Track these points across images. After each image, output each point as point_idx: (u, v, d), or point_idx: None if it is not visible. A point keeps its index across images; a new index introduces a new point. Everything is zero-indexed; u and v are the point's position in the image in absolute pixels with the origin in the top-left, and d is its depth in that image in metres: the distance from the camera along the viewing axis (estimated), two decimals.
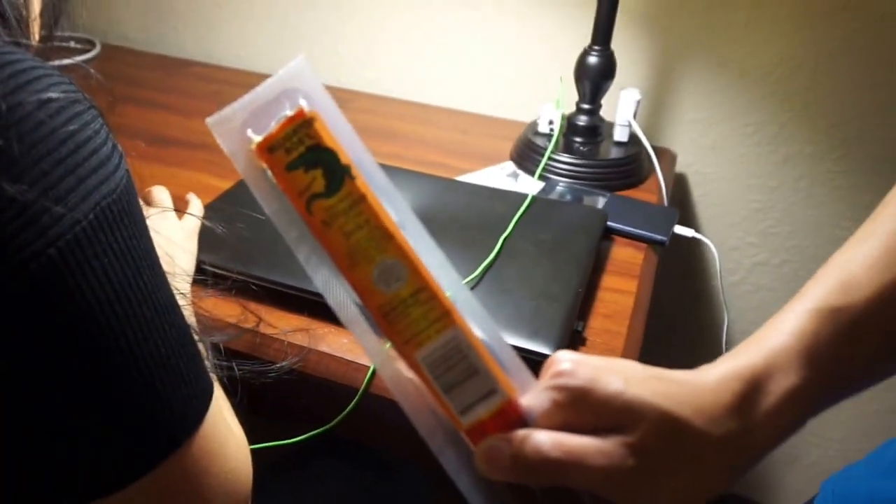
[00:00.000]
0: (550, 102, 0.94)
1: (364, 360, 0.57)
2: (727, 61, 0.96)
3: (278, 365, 0.55)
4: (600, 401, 0.32)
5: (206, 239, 0.65)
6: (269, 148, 0.32)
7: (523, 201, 0.75)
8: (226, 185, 0.78)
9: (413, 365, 0.34)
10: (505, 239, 0.68)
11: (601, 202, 0.83)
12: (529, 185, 0.87)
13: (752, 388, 0.35)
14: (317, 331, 0.59)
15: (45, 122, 0.30)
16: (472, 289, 0.62)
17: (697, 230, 0.96)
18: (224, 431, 0.40)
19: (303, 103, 0.32)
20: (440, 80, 1.12)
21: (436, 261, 0.35)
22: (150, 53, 1.26)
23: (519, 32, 1.04)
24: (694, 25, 0.96)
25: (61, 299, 0.30)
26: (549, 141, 0.91)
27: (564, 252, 0.67)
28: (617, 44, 0.87)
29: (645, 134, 0.93)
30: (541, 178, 0.88)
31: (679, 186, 1.06)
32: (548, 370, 0.35)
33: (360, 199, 0.32)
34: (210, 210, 0.71)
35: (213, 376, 0.41)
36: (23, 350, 0.30)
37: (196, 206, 0.71)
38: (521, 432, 0.33)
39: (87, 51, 1.21)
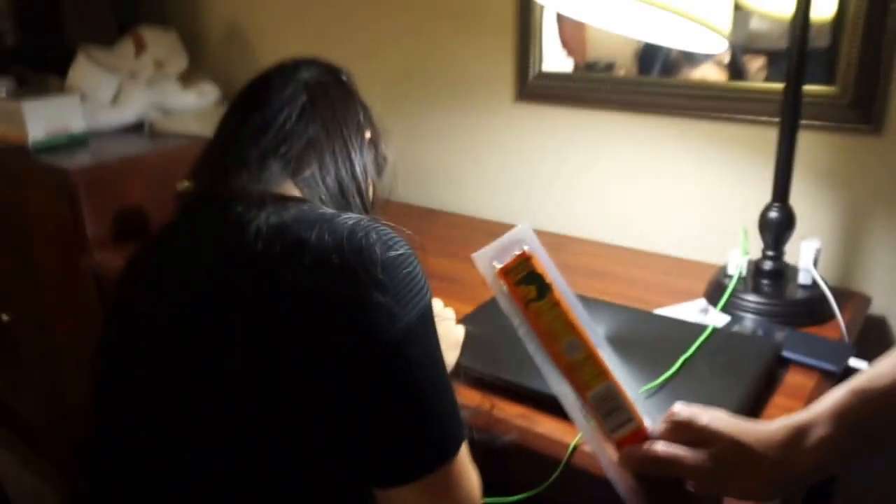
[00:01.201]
0: (738, 248, 1.10)
1: (567, 440, 0.77)
2: None
3: (505, 437, 0.77)
4: (695, 428, 0.56)
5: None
6: (505, 272, 0.59)
7: (706, 331, 0.92)
8: (468, 309, 1.04)
9: (586, 402, 0.58)
10: (684, 360, 0.85)
11: (779, 336, 0.96)
12: (717, 319, 1.02)
13: (797, 433, 0.55)
14: (534, 417, 0.81)
15: (398, 265, 0.58)
16: (648, 397, 0.80)
17: None
18: (469, 464, 0.64)
19: (525, 248, 0.59)
20: (643, 226, 1.32)
21: (603, 348, 0.59)
22: (406, 203, 1.61)
23: (710, 186, 1.23)
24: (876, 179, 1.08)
25: (399, 361, 0.57)
26: (738, 282, 1.07)
27: (735, 373, 0.82)
28: (801, 195, 1.02)
29: (837, 277, 1.04)
30: (729, 313, 1.03)
31: (876, 328, 1.14)
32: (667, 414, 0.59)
33: (557, 303, 0.58)
34: (462, 322, 0.97)
35: None
36: (372, 390, 0.57)
37: (460, 329, 0.95)
38: (648, 442, 0.57)
39: None
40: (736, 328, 0.99)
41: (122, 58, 1.74)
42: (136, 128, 1.73)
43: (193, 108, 1.79)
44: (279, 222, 0.63)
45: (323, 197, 0.74)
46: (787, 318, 1.01)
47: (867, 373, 0.56)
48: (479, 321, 0.98)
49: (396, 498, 0.62)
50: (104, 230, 1.41)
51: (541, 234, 1.29)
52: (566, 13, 1.07)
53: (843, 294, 1.07)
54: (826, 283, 1.04)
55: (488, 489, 0.74)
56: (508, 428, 0.80)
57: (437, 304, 0.96)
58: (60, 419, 1.70)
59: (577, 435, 0.77)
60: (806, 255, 1.05)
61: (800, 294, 1.05)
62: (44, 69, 1.88)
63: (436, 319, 0.70)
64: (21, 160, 1.49)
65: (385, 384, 0.59)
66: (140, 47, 1.75)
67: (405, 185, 1.66)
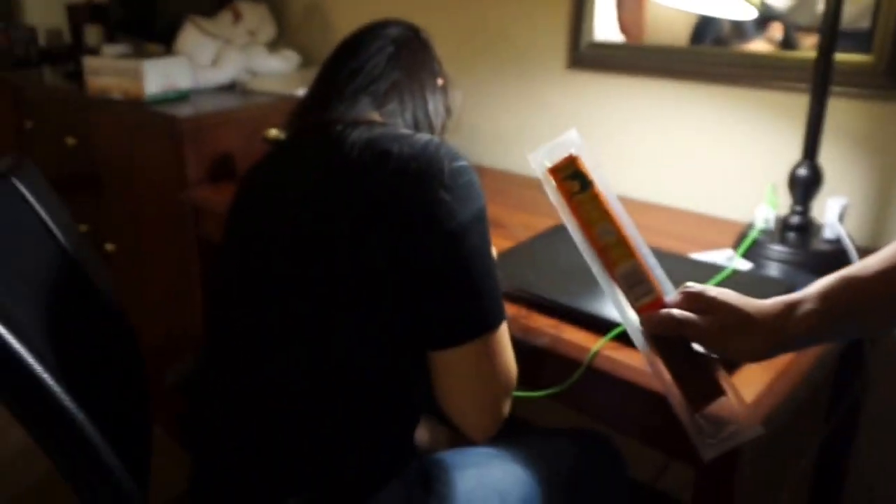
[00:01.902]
0: (765, 204, 1.19)
1: (589, 346, 0.89)
2: None
3: (537, 340, 0.91)
4: (703, 298, 0.67)
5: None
6: (554, 170, 0.70)
7: (724, 271, 1.02)
8: (509, 245, 1.17)
9: (615, 277, 0.69)
10: None
11: (794, 279, 1.05)
12: (739, 265, 1.12)
13: (790, 306, 0.65)
14: (561, 327, 0.94)
15: (461, 173, 0.76)
16: None
17: None
18: (507, 343, 0.79)
19: (573, 150, 0.70)
20: (683, 186, 1.42)
21: (634, 233, 0.70)
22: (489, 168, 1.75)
23: (748, 150, 1.32)
24: None
25: (459, 241, 0.75)
26: (764, 234, 1.16)
27: None
28: (835, 158, 1.10)
29: (866, 237, 1.12)
30: (755, 262, 1.13)
31: None
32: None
33: (595, 196, 0.69)
34: (500, 257, 1.11)
35: None
36: (433, 269, 0.74)
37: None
38: (666, 308, 0.68)
39: None
40: (758, 274, 1.09)
41: (222, 26, 1.93)
42: (230, 87, 1.93)
43: (278, 71, 2.00)
44: (370, 137, 0.80)
45: (401, 127, 0.90)
46: (809, 268, 1.10)
47: (857, 264, 0.67)
48: (520, 254, 1.12)
49: (448, 358, 0.79)
50: (201, 171, 1.62)
51: None
52: None
53: (869, 252, 1.14)
54: (851, 239, 1.12)
55: (520, 386, 0.88)
56: (540, 334, 0.93)
57: None
58: (151, 341, 1.93)
59: (597, 342, 0.90)
60: (832, 210, 1.13)
61: (823, 247, 1.13)
62: (142, 38, 2.11)
63: None
64: (136, 111, 1.70)
65: (443, 265, 0.76)
66: (237, 17, 1.95)
67: (460, 143, 1.79)
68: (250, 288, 0.85)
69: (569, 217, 0.70)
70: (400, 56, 0.94)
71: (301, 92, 1.69)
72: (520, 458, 0.96)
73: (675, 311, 0.67)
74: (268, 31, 2.05)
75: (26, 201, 0.93)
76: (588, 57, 1.50)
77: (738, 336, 0.65)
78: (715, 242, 1.23)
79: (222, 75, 1.92)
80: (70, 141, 2.08)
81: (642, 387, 0.85)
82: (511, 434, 1.03)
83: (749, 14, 1.19)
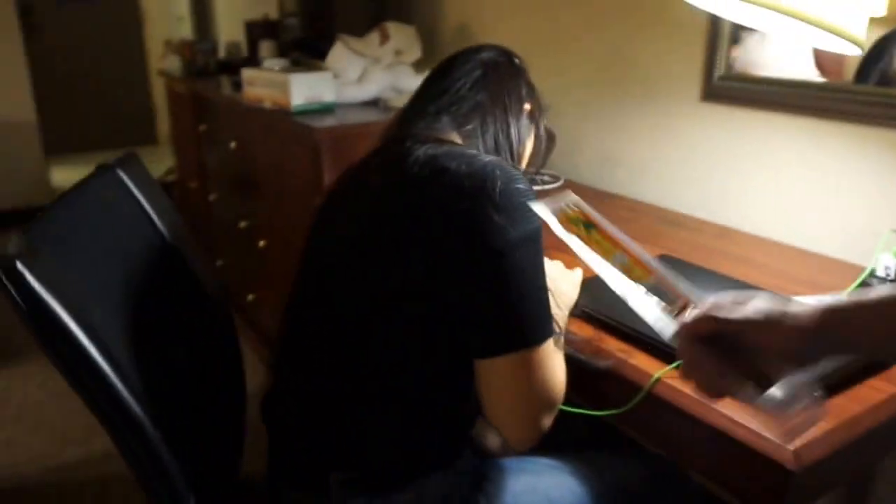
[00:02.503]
0: (889, 252, 1.12)
1: (653, 372, 0.89)
2: None
3: (602, 362, 0.92)
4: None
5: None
6: (563, 221, 0.76)
7: None
8: None
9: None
10: None
11: None
12: None
13: (835, 312, 0.61)
14: (631, 351, 0.94)
15: (514, 194, 0.78)
16: None
17: None
18: (553, 360, 0.82)
19: (571, 203, 0.78)
20: (805, 225, 1.36)
21: (644, 254, 0.74)
22: (591, 187, 1.76)
23: (876, 193, 1.24)
24: None
25: (504, 259, 0.77)
26: (881, 282, 1.09)
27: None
28: None
29: None
30: None
31: None
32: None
33: (602, 234, 0.76)
34: (592, 280, 1.12)
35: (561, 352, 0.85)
36: (477, 284, 0.78)
37: (579, 272, 1.11)
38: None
39: (554, 182, 1.77)
40: None
41: (369, 46, 2.08)
42: (373, 103, 2.07)
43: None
44: (433, 154, 0.85)
45: (480, 148, 0.94)
46: None
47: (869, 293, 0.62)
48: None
49: (485, 368, 0.82)
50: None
51: (708, 225, 1.44)
52: (728, 17, 1.16)
53: None
54: None
55: (585, 404, 0.90)
56: (608, 356, 0.94)
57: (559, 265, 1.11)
58: None
59: (661, 369, 0.90)
60: None
61: None
62: (315, 55, 2.31)
63: (564, 267, 0.92)
64: (285, 120, 1.88)
65: (485, 281, 0.79)
66: (384, 38, 2.09)
67: (591, 168, 1.81)
68: (316, 288, 0.94)
69: (586, 252, 0.76)
70: (487, 79, 0.98)
71: None
72: (579, 471, 0.98)
73: (712, 311, 0.65)
74: (414, 51, 2.18)
75: (128, 190, 1.06)
76: (721, 90, 1.47)
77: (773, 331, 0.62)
78: (831, 286, 1.17)
79: (367, 92, 2.06)
80: (233, 144, 2.32)
81: (697, 417, 0.84)
82: (584, 447, 1.04)
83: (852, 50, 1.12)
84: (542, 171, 1.79)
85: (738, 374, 0.64)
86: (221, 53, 3.11)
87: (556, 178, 1.80)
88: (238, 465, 1.14)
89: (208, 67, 2.86)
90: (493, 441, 1.09)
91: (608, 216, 0.82)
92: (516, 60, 1.06)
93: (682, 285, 0.71)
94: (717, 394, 0.66)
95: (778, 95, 1.37)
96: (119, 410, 0.81)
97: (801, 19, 0.86)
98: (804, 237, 1.36)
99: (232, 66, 2.75)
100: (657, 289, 0.72)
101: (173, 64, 3.05)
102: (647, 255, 0.75)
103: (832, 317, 0.62)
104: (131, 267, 0.99)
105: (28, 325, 0.76)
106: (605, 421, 0.94)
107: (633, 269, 0.74)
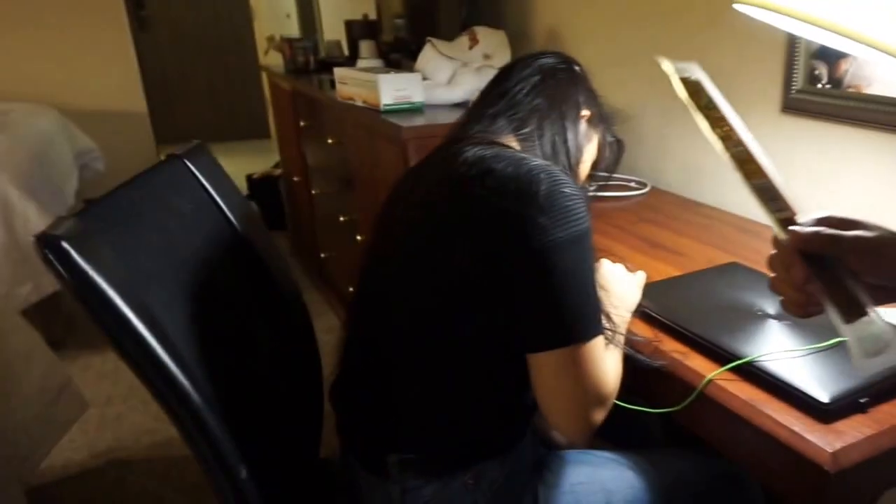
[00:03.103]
0: None
1: (706, 374, 0.94)
2: None
3: (658, 362, 0.97)
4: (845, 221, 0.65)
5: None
6: (685, 80, 0.76)
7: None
8: (676, 272, 1.23)
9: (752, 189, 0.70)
10: (840, 341, 0.95)
11: None
12: None
13: None
14: (688, 353, 0.99)
15: (559, 197, 0.83)
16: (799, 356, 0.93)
17: None
18: (602, 357, 0.86)
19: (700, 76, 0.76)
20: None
21: (762, 155, 0.73)
22: (676, 194, 1.79)
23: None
24: None
25: (547, 259, 0.82)
26: None
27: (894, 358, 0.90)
28: None
29: None
30: None
31: None
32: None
33: (721, 116, 0.73)
34: (659, 283, 1.17)
35: (619, 351, 0.91)
36: (521, 282, 0.83)
37: (642, 275, 1.14)
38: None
39: (641, 189, 1.81)
40: None
41: (458, 49, 2.17)
42: (462, 105, 2.16)
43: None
44: (482, 155, 0.89)
45: (538, 153, 0.98)
46: None
47: None
48: (679, 283, 1.18)
49: (539, 360, 0.86)
50: None
51: None
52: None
53: None
54: None
55: (642, 401, 0.96)
56: (663, 356, 1.00)
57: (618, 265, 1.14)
58: None
59: (714, 370, 0.94)
60: None
61: None
62: (413, 57, 2.42)
63: (626, 270, 0.97)
64: (375, 118, 1.99)
65: (529, 280, 0.83)
66: (474, 42, 2.18)
67: (677, 176, 1.84)
68: (376, 282, 1.00)
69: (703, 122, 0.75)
70: (544, 84, 1.01)
71: None
72: (639, 466, 1.03)
73: (825, 230, 0.63)
74: (503, 55, 2.25)
75: (196, 179, 1.12)
76: (799, 102, 1.48)
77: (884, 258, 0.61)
78: None
79: (455, 94, 2.15)
80: (330, 140, 2.46)
81: (744, 417, 0.88)
82: (652, 446, 1.09)
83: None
84: (630, 177, 1.85)
85: (833, 296, 0.62)
86: (322, 51, 3.26)
87: (642, 185, 1.83)
88: (317, 446, 1.22)
89: (308, 65, 3.01)
90: (557, 433, 1.16)
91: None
92: (576, 67, 1.08)
93: (791, 196, 0.69)
94: (805, 313, 0.66)
95: (854, 110, 1.37)
96: (169, 386, 0.84)
97: (848, 36, 0.88)
98: None
99: (330, 65, 2.86)
100: (767, 191, 0.70)
101: (275, 60, 3.23)
102: (762, 155, 0.73)
103: None
104: (198, 254, 1.03)
105: (77, 301, 0.79)
106: (675, 422, 1.00)
107: (747, 162, 0.72)
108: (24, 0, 3.54)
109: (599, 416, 0.89)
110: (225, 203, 1.15)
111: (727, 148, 0.73)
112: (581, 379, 0.85)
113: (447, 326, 0.91)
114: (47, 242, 0.77)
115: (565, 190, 0.84)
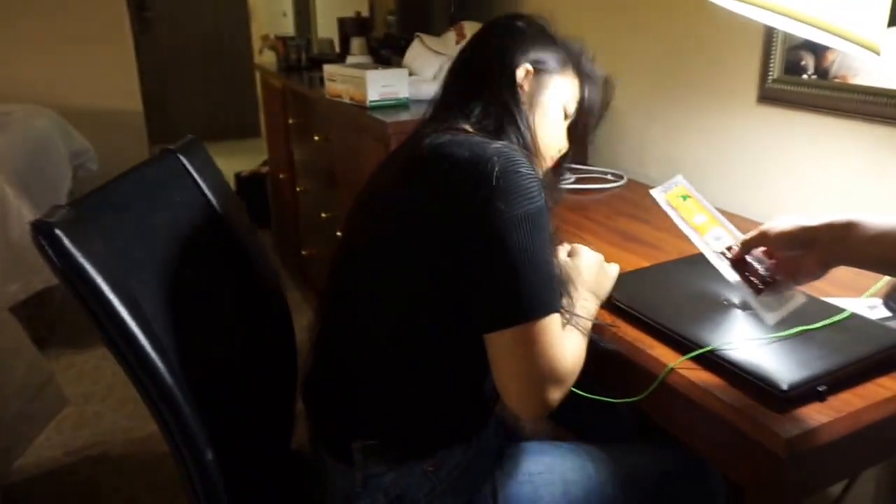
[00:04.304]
0: None
1: (667, 363, 0.94)
2: None
3: (611, 345, 0.98)
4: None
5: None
6: (670, 196, 0.98)
7: (840, 314, 1.00)
8: (645, 263, 1.23)
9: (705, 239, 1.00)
10: (804, 330, 0.95)
11: None
12: (880, 314, 1.07)
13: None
14: (649, 342, 0.99)
15: (513, 176, 0.83)
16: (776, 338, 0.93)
17: None
18: (559, 336, 0.86)
19: (681, 183, 1.01)
20: None
21: (721, 217, 1.02)
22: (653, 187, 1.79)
23: None
24: None
25: (499, 238, 0.83)
26: None
27: (842, 350, 0.90)
28: None
29: None
30: None
31: None
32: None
33: (695, 202, 0.98)
34: (627, 274, 1.17)
35: (579, 335, 0.91)
36: (477, 260, 0.84)
37: (615, 267, 1.13)
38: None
39: (618, 181, 1.81)
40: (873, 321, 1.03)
41: (446, 44, 2.18)
42: None
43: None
44: (441, 142, 0.91)
45: (492, 136, 0.95)
46: None
47: None
48: (644, 274, 1.18)
49: (494, 340, 0.87)
50: None
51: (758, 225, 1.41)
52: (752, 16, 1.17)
53: None
54: None
55: (605, 392, 0.97)
56: (625, 344, 1.00)
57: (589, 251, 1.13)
58: None
59: (677, 359, 0.94)
60: None
61: None
62: (401, 53, 2.42)
63: (604, 260, 1.03)
64: (361, 114, 2.00)
65: (486, 257, 0.85)
66: (461, 36, 2.18)
67: (657, 168, 1.84)
68: (343, 276, 1.02)
69: (677, 217, 1.01)
70: (476, 61, 1.03)
71: None
72: (600, 458, 1.03)
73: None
74: None
75: (189, 174, 1.15)
76: (775, 93, 1.48)
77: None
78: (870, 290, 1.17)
79: None
80: (316, 137, 2.47)
81: (706, 407, 0.89)
82: (615, 439, 1.10)
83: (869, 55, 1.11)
84: (607, 170, 1.85)
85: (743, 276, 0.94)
86: (315, 49, 3.27)
87: (619, 178, 1.83)
88: (288, 437, 1.24)
89: (300, 62, 3.02)
90: (513, 413, 1.16)
91: (665, 215, 1.01)
92: (519, 24, 1.06)
93: (738, 233, 0.99)
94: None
95: (832, 100, 1.37)
96: (145, 371, 0.87)
97: (813, 25, 0.89)
98: None
99: (321, 62, 2.89)
100: (720, 237, 0.99)
101: (269, 59, 3.24)
102: (723, 218, 1.02)
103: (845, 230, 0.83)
104: (184, 245, 1.06)
105: (64, 284, 0.84)
106: (643, 413, 1.00)
107: (706, 226, 1.01)
108: (39, 9, 3.60)
109: (555, 395, 0.88)
110: (214, 198, 1.18)
111: (694, 222, 1.02)
112: (535, 357, 0.85)
113: (411, 314, 0.92)
114: (41, 229, 0.82)
115: (520, 170, 0.86)
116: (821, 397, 0.86)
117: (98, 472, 2.00)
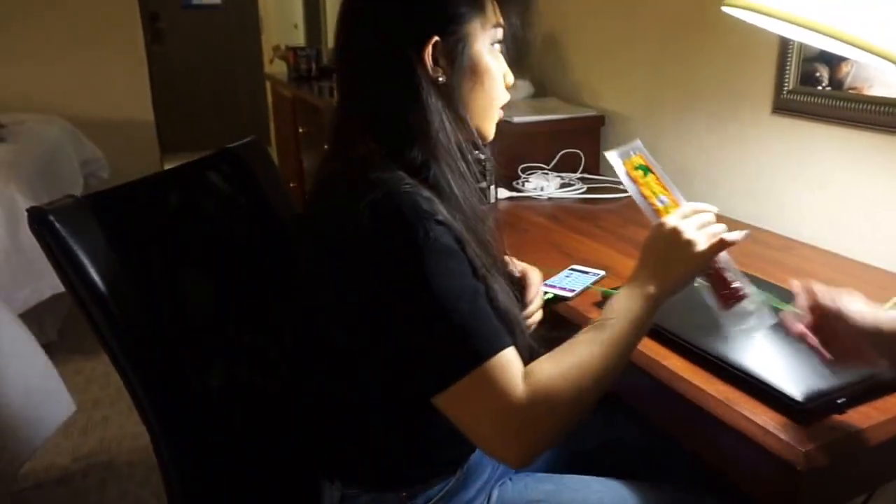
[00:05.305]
0: None
1: (678, 372, 0.93)
2: None
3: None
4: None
5: None
6: (628, 163, 0.92)
7: None
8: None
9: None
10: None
11: None
12: None
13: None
14: (666, 355, 0.98)
15: (392, 218, 0.72)
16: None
17: None
18: (514, 368, 0.73)
19: (638, 151, 0.93)
20: (874, 242, 1.33)
21: (681, 197, 0.93)
22: None
23: None
24: None
25: (402, 289, 0.73)
26: None
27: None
28: None
29: None
30: None
31: None
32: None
33: (655, 178, 0.91)
34: None
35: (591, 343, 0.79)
36: (386, 318, 0.75)
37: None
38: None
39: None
40: None
41: None
42: None
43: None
44: (319, 191, 0.87)
45: (392, 146, 0.79)
46: None
47: None
48: None
49: (446, 402, 0.72)
50: None
51: (774, 237, 1.42)
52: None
53: None
54: None
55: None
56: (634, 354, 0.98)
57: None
58: None
59: (688, 370, 0.93)
60: None
61: None
62: None
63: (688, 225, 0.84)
64: None
65: (399, 320, 0.74)
66: None
67: (669, 177, 1.82)
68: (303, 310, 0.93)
69: (637, 194, 0.93)
70: (349, 52, 0.86)
71: (527, 119, 1.88)
72: (602, 490, 0.96)
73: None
74: None
75: (251, 174, 1.15)
76: (792, 103, 1.46)
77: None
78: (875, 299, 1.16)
79: None
80: (326, 146, 2.46)
81: (721, 418, 0.87)
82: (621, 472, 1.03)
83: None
84: (618, 179, 1.82)
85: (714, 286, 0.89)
86: (325, 59, 3.28)
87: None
88: (276, 447, 1.20)
89: (310, 72, 3.03)
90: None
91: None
92: None
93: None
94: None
95: (846, 111, 1.36)
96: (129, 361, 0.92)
97: (834, 37, 0.88)
98: (865, 251, 1.34)
99: (331, 71, 2.89)
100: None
101: (279, 68, 3.25)
102: (684, 200, 0.92)
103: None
104: (239, 247, 1.08)
105: (56, 267, 0.86)
106: (701, 459, 0.97)
107: (669, 209, 0.91)
108: (53, 20, 3.65)
109: (540, 429, 0.73)
110: (270, 194, 1.17)
111: (657, 203, 0.92)
112: (493, 401, 0.71)
113: (353, 376, 0.86)
114: (35, 213, 0.86)
115: (401, 209, 0.72)
116: (840, 410, 0.84)
117: (106, 478, 1.99)
